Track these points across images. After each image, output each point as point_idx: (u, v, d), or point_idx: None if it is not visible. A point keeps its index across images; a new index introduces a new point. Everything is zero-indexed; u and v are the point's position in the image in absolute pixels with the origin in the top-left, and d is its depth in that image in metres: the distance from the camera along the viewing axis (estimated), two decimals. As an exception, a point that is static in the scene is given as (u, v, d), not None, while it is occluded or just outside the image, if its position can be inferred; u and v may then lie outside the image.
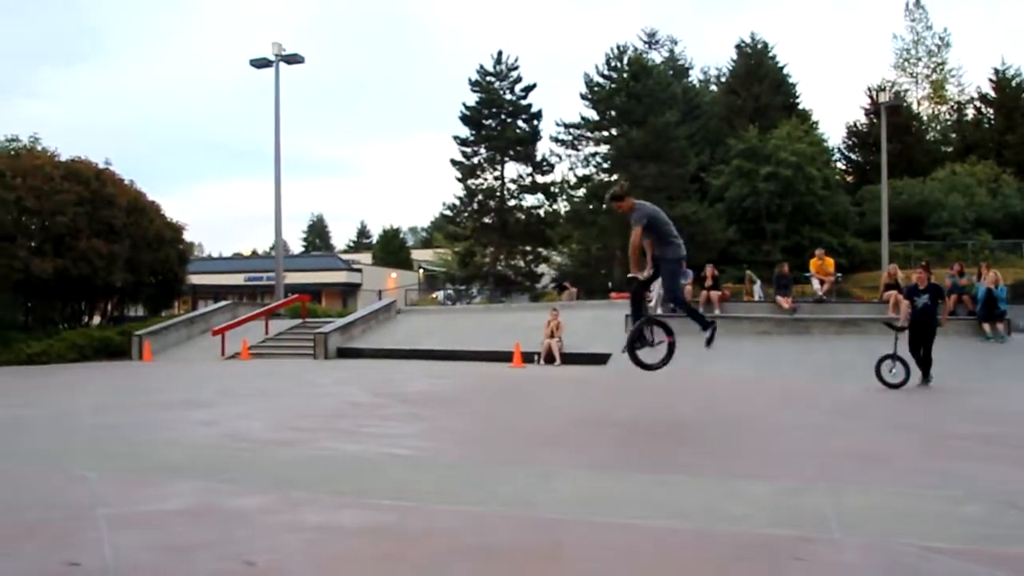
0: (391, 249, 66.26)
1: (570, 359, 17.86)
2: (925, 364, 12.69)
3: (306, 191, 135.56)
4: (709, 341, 8.73)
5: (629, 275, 8.66)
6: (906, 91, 59.10)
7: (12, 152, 24.58)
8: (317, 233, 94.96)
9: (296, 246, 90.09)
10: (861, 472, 6.00)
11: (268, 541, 3.91)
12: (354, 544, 3.92)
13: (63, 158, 25.14)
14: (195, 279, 35.29)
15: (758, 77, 50.22)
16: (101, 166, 25.78)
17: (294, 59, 29.45)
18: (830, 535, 4.08)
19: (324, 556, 3.70)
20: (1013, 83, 53.86)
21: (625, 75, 43.73)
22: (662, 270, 8.55)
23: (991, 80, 55.14)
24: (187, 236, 29.30)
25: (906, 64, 61.96)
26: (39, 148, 25.34)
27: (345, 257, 61.07)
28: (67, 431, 8.04)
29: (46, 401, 11.35)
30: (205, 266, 51.43)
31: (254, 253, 77.53)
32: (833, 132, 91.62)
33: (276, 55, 29.08)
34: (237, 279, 50.64)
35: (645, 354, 8.60)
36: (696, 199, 42.31)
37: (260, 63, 29.48)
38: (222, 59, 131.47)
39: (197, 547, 3.80)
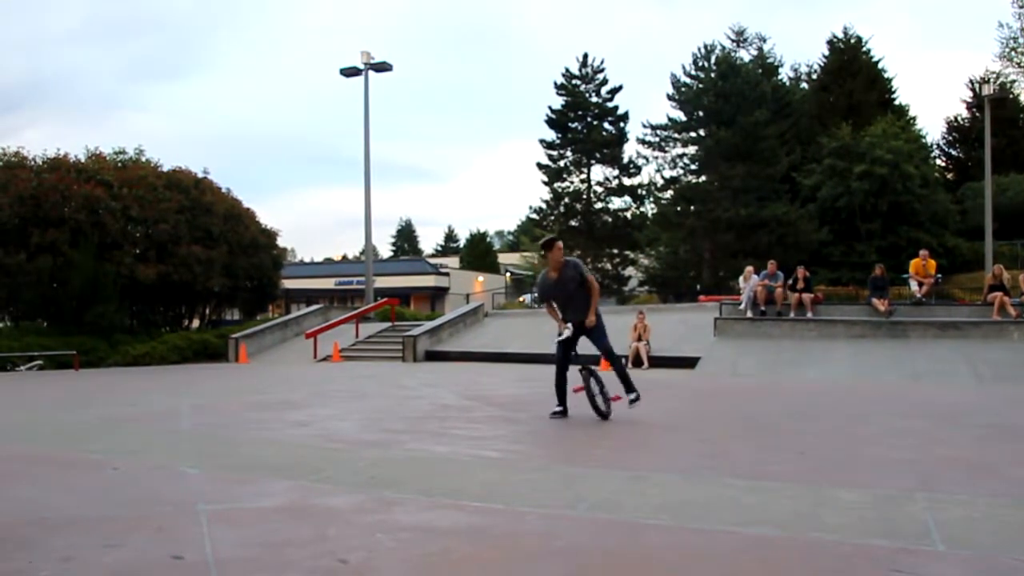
0: (478, 253, 66.68)
1: (658, 362, 17.68)
2: None
3: (395, 197, 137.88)
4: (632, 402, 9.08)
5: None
6: (1012, 82, 56.40)
7: (119, 164, 25.69)
8: (405, 238, 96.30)
9: (385, 251, 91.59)
10: (966, 481, 5.75)
11: (360, 540, 3.99)
12: (444, 544, 3.96)
13: (165, 168, 26.18)
14: (288, 283, 36.30)
15: (851, 73, 48.72)
16: (200, 175, 26.75)
17: (382, 67, 29.94)
18: (932, 547, 3.93)
19: (415, 556, 3.75)
20: None
21: (713, 74, 43.09)
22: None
23: (1103, 69, 52.37)
24: (280, 242, 30.21)
25: (1012, 54, 59.05)
26: (143, 159, 26.43)
27: (433, 261, 61.77)
28: (169, 429, 8.34)
29: (149, 400, 11.80)
30: (298, 271, 52.72)
31: (344, 258, 79.02)
32: (932, 127, 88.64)
33: (365, 63, 29.63)
34: (328, 283, 51.68)
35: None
36: (787, 199, 41.36)
37: (350, 72, 30.08)
38: (314, 69, 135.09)
39: (292, 544, 3.90)
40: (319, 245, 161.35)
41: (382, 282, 40.85)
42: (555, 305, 9.01)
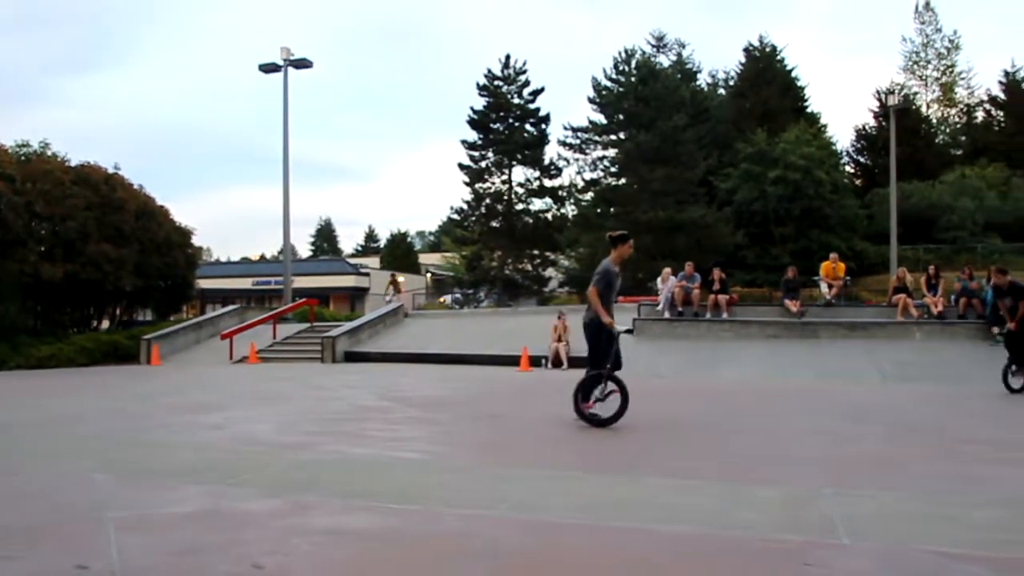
0: (399, 253, 66.35)
1: (578, 363, 17.80)
2: None
3: (315, 196, 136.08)
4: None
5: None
6: (915, 94, 58.93)
7: (23, 157, 24.72)
8: (325, 237, 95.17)
9: (304, 250, 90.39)
10: (871, 477, 5.97)
11: (276, 544, 3.92)
12: (361, 547, 3.92)
13: (73, 163, 25.29)
14: (203, 283, 35.47)
15: (766, 80, 50.08)
16: (111, 171, 25.92)
17: (303, 64, 29.52)
18: (839, 540, 4.07)
19: (331, 559, 3.71)
20: (1023, 85, 53.66)
21: (633, 79, 43.71)
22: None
23: (1001, 83, 54.94)
24: (196, 240, 29.49)
25: (915, 67, 61.80)
26: (49, 153, 25.47)
27: (353, 261, 61.18)
28: (76, 434, 8.06)
29: (55, 404, 11.39)
30: (213, 270, 51.58)
31: (262, 257, 77.70)
32: (842, 135, 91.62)
33: (285, 60, 29.16)
34: (245, 283, 50.77)
35: (597, 408, 8.39)
36: (704, 203, 42.25)
37: (269, 68, 29.56)
38: (233, 65, 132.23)
39: (205, 550, 3.81)
40: (236, 244, 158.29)
41: (301, 282, 40.26)
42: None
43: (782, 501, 5.01)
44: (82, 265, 22.94)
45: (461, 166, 46.40)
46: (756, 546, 3.97)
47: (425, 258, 69.35)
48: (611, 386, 8.36)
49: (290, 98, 29.29)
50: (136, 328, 25.36)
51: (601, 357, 8.44)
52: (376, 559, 3.73)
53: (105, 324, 26.69)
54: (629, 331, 8.69)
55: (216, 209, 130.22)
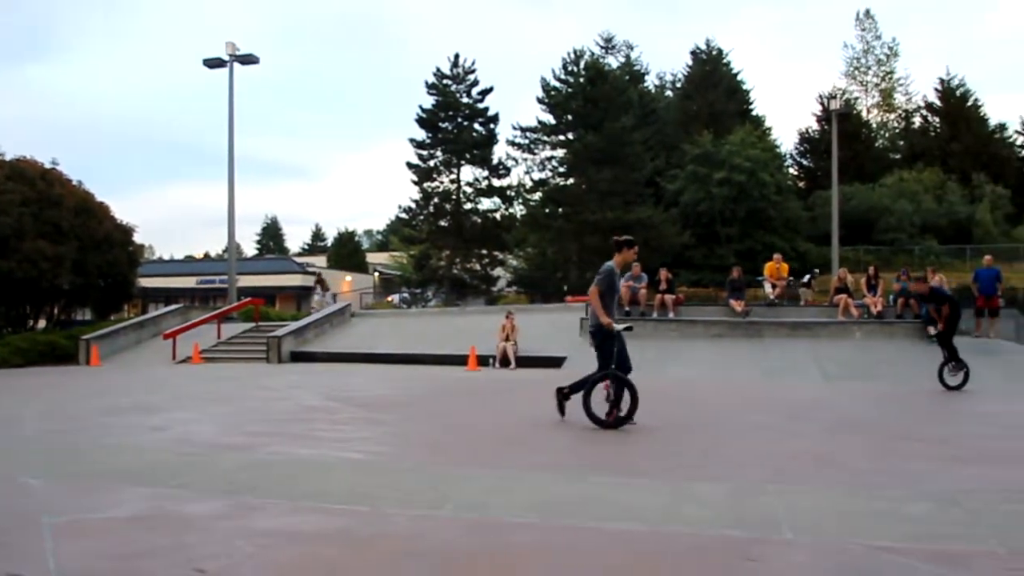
0: (346, 252, 65.75)
1: (525, 362, 17.88)
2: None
3: (260, 194, 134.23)
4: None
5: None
6: (856, 99, 60.31)
7: (-50, 151, 23.99)
8: (271, 236, 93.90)
9: (250, 249, 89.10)
10: (813, 473, 6.12)
11: (219, 547, 3.86)
12: (306, 549, 3.88)
13: (8, 158, 24.61)
14: (145, 282, 34.74)
15: (713, 83, 50.82)
16: (48, 166, 25.28)
17: (248, 59, 29.08)
18: (781, 536, 4.15)
19: (275, 561, 3.66)
20: (957, 93, 55.32)
21: (582, 79, 43.94)
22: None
23: (937, 90, 56.58)
24: (137, 238, 28.87)
25: (856, 72, 63.26)
26: (-19, 147, 24.79)
27: (299, 260, 60.49)
28: (10, 437, 7.84)
29: (-11, 406, 11.06)
30: (156, 269, 50.64)
31: (206, 256, 76.47)
32: (786, 138, 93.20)
33: (230, 55, 28.70)
34: (189, 282, 49.88)
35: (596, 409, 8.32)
36: (651, 203, 42.70)
37: (214, 63, 29.06)
38: (176, 60, 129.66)
39: (145, 555, 3.73)
40: (180, 242, 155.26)
41: (246, 281, 39.66)
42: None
43: (727, 497, 5.09)
44: (17, 263, 22.30)
45: (409, 165, 46.20)
46: (701, 542, 4.02)
47: (373, 257, 68.82)
48: (611, 386, 8.35)
49: (236, 94, 28.88)
50: (75, 328, 24.74)
51: (606, 359, 8.51)
52: (322, 561, 3.69)
53: (42, 324, 26.00)
54: (629, 328, 8.73)
55: (159, 206, 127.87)
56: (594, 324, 8.62)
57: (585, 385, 8.56)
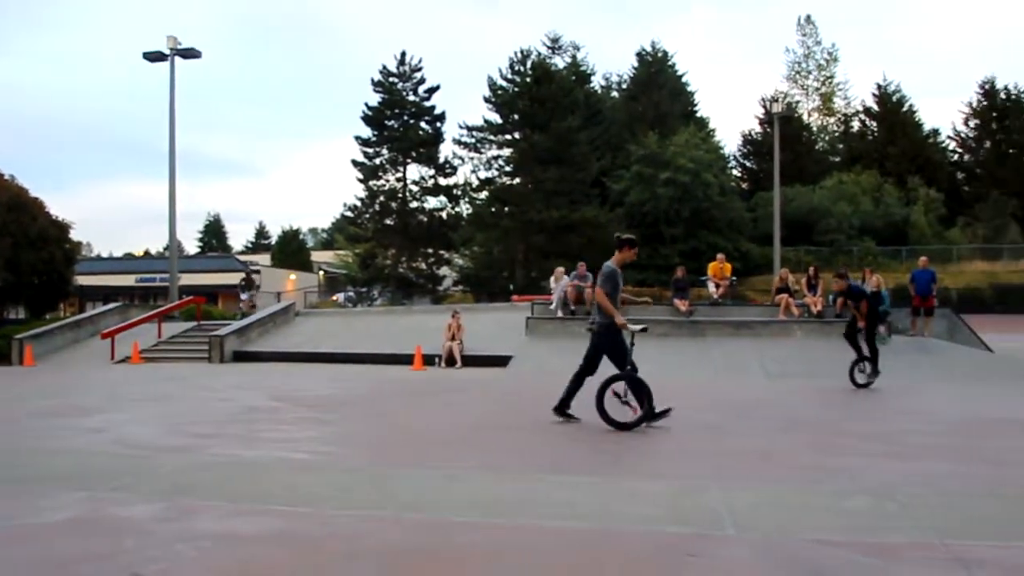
0: (291, 251, 65.00)
1: (471, 361, 17.87)
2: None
3: (203, 191, 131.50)
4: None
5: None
6: (798, 103, 61.53)
7: None
8: (213, 234, 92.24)
9: (191, 247, 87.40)
10: (754, 470, 6.24)
11: (159, 551, 3.80)
12: (249, 551, 3.85)
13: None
14: (83, 280, 33.95)
15: (658, 85, 51.39)
16: (-23, 161, 24.59)
17: (190, 53, 28.56)
18: (724, 532, 4.23)
19: (217, 564, 3.62)
20: (894, 98, 56.90)
21: (528, 79, 44.10)
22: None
23: (874, 95, 58.12)
24: (74, 235, 28.16)
25: (797, 77, 64.58)
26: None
27: (243, 258, 59.60)
28: (-59, 440, 7.61)
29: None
30: (94, 266, 49.44)
31: (147, 253, 74.92)
32: (729, 140, 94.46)
33: (171, 49, 28.14)
34: (128, 280, 48.85)
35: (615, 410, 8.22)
36: (597, 203, 43.02)
37: (155, 56, 28.48)
38: (118, 54, 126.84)
39: (82, 560, 3.67)
40: (120, 240, 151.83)
41: (188, 279, 38.97)
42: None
43: (671, 495, 5.17)
44: (-54, 260, 21.67)
45: (355, 163, 45.90)
46: (644, 540, 4.08)
47: (318, 256, 68.10)
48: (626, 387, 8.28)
49: (177, 89, 28.32)
50: (7, 327, 24.06)
51: (621, 360, 8.41)
52: (265, 563, 3.67)
53: (-28, 323, 25.28)
54: (644, 329, 8.74)
55: (98, 203, 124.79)
56: (601, 324, 8.45)
57: (575, 390, 8.58)
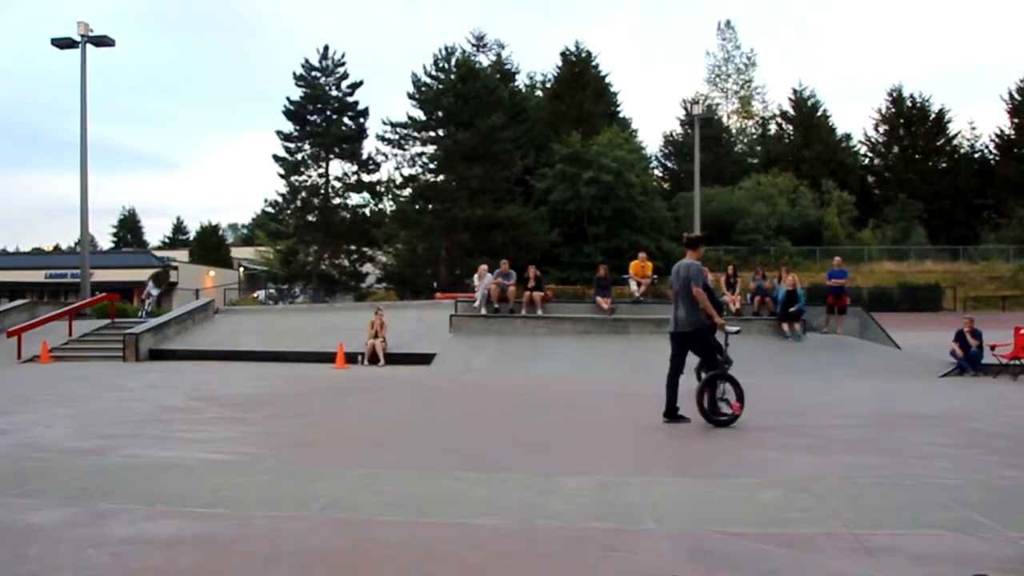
0: (209, 246, 63.52)
1: (394, 359, 17.76)
2: None
3: (117, 184, 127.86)
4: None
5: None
6: (717, 105, 62.89)
7: None
8: (129, 228, 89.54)
9: (105, 242, 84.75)
10: (675, 466, 6.36)
11: (68, 557, 3.67)
12: (164, 555, 3.74)
13: None
14: (-12, 275, 32.64)
15: (582, 85, 51.81)
16: None
17: (103, 41, 27.65)
18: (644, 526, 4.29)
19: (131, 570, 3.52)
20: (809, 103, 58.71)
21: (453, 76, 44.03)
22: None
23: (790, 99, 59.85)
24: (-22, 229, 27.05)
25: (717, 80, 66.08)
26: None
27: (159, 254, 58.05)
28: None
29: None
30: (0, 261, 47.61)
31: (57, 248, 72.37)
32: (651, 141, 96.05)
33: (83, 35, 27.20)
34: (37, 276, 47.16)
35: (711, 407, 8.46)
36: (521, 201, 43.19)
37: (64, 43, 27.47)
38: (25, 40, 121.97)
39: (-15, 567, 3.51)
40: (28, 234, 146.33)
41: (101, 275, 37.81)
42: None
43: (593, 490, 5.22)
44: None
45: (276, 158, 45.17)
46: (567, 535, 4.11)
47: (238, 252, 66.78)
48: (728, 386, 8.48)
49: (90, 78, 27.42)
50: (-95, 324, 23.00)
51: (712, 357, 8.63)
52: (181, 567, 3.58)
53: None
54: (737, 331, 8.87)
55: (4, 195, 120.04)
56: (694, 324, 8.48)
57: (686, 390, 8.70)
